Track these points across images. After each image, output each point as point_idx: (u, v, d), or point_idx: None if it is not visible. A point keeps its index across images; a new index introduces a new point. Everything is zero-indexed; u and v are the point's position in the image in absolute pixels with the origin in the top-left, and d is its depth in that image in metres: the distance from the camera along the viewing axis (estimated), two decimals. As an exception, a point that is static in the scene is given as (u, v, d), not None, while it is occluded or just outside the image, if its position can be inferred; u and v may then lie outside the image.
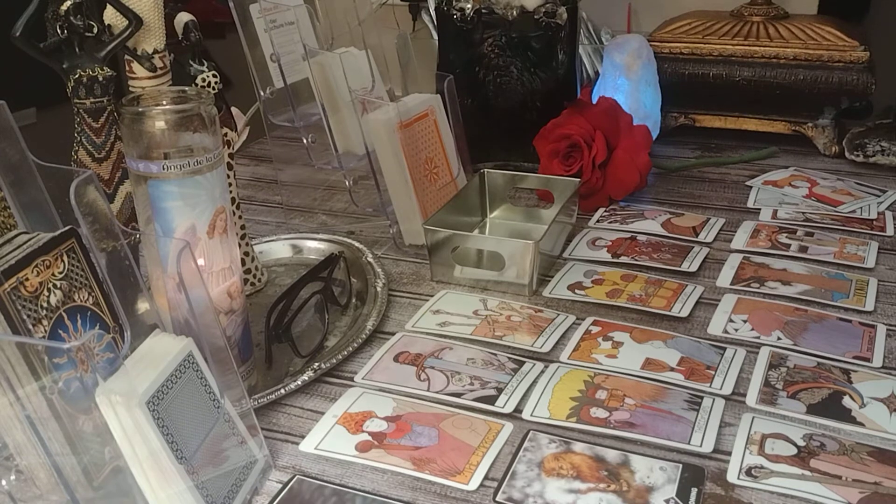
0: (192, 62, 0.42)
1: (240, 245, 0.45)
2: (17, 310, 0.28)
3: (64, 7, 0.36)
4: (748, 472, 0.31)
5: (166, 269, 0.33)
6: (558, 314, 0.44)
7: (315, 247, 0.52)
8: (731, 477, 0.31)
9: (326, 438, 0.34)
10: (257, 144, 0.71)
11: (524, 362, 0.39)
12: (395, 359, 0.40)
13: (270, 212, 0.59)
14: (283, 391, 0.37)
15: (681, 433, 0.34)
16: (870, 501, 0.29)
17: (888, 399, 0.35)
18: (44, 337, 0.28)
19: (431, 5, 0.66)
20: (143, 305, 0.35)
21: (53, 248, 0.30)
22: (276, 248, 0.52)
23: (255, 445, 0.33)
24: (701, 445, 0.33)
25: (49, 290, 0.29)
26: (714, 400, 0.36)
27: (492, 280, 0.47)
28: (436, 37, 0.64)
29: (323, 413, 0.36)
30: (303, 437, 0.35)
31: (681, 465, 0.32)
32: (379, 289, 0.45)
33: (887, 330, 0.41)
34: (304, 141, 0.54)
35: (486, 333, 0.42)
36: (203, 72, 0.42)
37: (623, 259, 0.49)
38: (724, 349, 0.40)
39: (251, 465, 0.32)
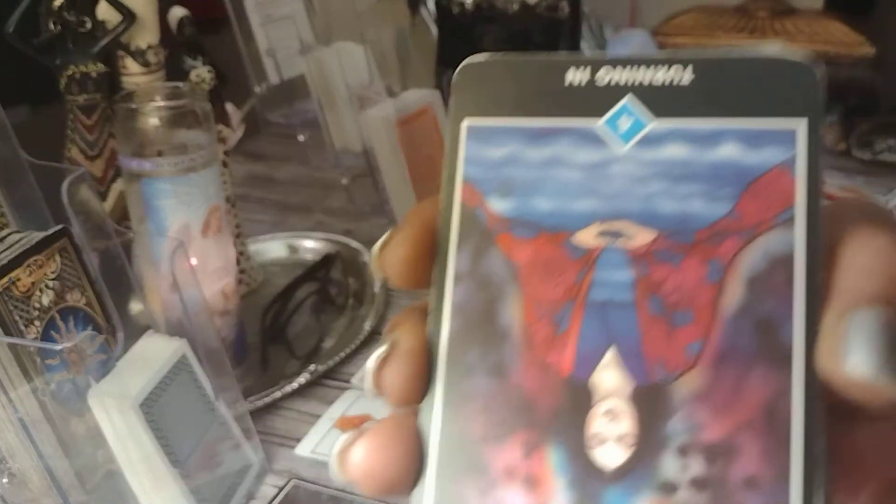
0: (186, 58, 0.41)
1: (234, 244, 0.44)
2: (8, 310, 0.27)
3: (57, 2, 0.35)
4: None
5: (160, 269, 0.33)
6: (559, 314, 0.43)
7: (311, 246, 0.51)
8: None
9: (323, 442, 0.34)
10: (253, 141, 0.70)
11: (524, 364, 0.39)
12: (394, 360, 0.39)
13: (266, 210, 0.59)
14: (278, 394, 0.36)
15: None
16: None
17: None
18: (36, 338, 0.28)
19: (431, -1, 0.66)
20: (136, 306, 0.35)
21: (46, 247, 0.29)
22: (272, 248, 0.51)
23: (251, 449, 0.32)
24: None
25: (41, 290, 0.29)
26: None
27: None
28: (435, 31, 0.63)
29: (320, 416, 0.36)
30: (299, 440, 0.34)
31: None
32: (377, 289, 0.45)
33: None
34: (301, 138, 0.53)
35: (485, 334, 0.41)
36: (197, 67, 0.41)
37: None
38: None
39: (246, 468, 0.32)
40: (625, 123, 0.11)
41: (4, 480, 0.30)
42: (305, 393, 0.38)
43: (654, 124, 0.10)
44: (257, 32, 0.50)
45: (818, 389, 0.10)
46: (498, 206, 0.11)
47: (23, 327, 0.28)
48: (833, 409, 0.10)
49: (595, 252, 0.10)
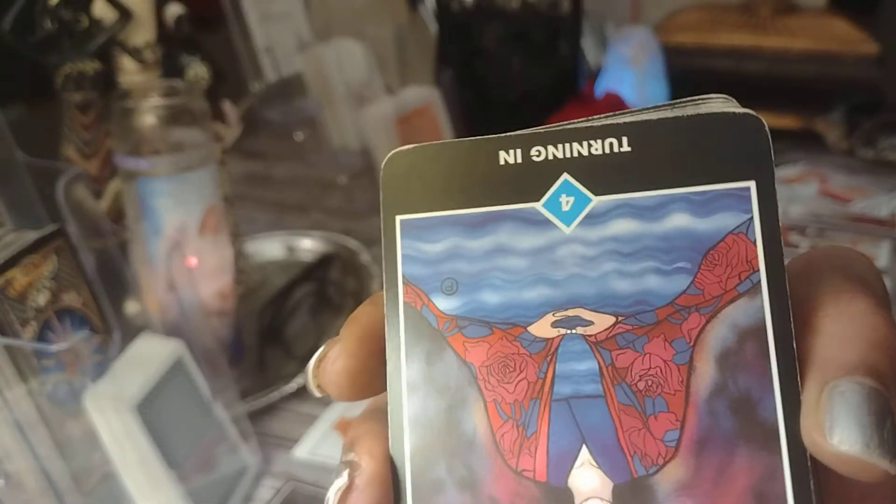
0: (183, 55, 0.41)
1: (232, 244, 0.44)
2: (4, 311, 0.27)
3: (53, 0, 0.35)
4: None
5: (156, 269, 0.32)
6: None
7: (309, 246, 0.51)
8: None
9: (321, 444, 0.34)
10: (250, 140, 0.70)
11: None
12: (393, 361, 0.39)
13: (263, 209, 0.58)
14: (276, 395, 0.36)
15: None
16: None
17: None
18: (32, 339, 0.28)
19: (431, -4, 0.65)
20: (132, 306, 0.35)
21: (41, 247, 0.29)
22: (269, 247, 0.51)
23: (248, 451, 0.32)
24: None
25: (37, 290, 0.28)
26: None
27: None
28: (434, 28, 0.63)
29: (318, 417, 0.35)
30: (297, 441, 0.34)
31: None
32: (375, 289, 0.45)
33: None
34: (299, 136, 0.53)
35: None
36: (194, 65, 0.41)
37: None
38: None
39: (243, 470, 0.31)
40: (566, 203, 0.10)
41: (0, 482, 0.29)
42: (303, 394, 0.37)
43: (596, 200, 0.10)
44: (255, 30, 0.50)
45: (808, 465, 0.09)
46: (444, 304, 0.10)
47: (18, 328, 0.27)
48: (826, 483, 0.09)
49: (554, 343, 0.10)
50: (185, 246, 0.33)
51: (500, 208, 0.10)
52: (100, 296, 0.30)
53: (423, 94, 0.52)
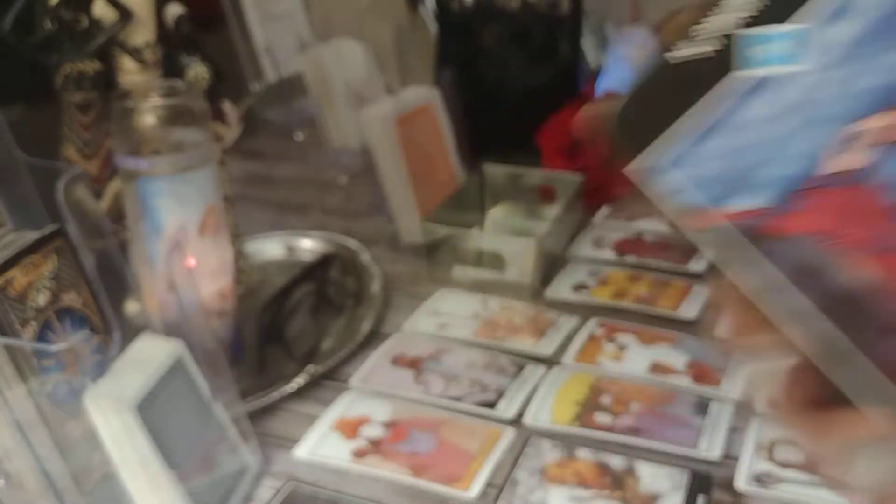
0: (183, 55, 0.41)
1: (232, 244, 0.44)
2: (4, 311, 0.27)
3: (53, 0, 0.35)
4: (757, 479, 0.30)
5: (156, 270, 0.32)
6: (561, 315, 0.43)
7: (309, 246, 0.51)
8: (740, 483, 0.30)
9: (321, 444, 0.34)
10: (250, 140, 0.70)
11: (526, 365, 0.38)
12: (393, 362, 0.39)
13: (263, 210, 0.58)
14: (276, 395, 0.36)
15: (688, 439, 0.33)
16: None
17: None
18: (32, 339, 0.27)
19: (431, -3, 0.65)
20: (132, 306, 0.35)
21: (41, 247, 0.29)
22: (269, 248, 0.51)
23: (248, 451, 0.32)
24: (708, 451, 0.32)
25: (37, 290, 0.28)
26: (722, 404, 0.35)
27: (492, 280, 0.46)
28: (434, 28, 0.63)
29: (318, 417, 0.35)
30: (297, 442, 0.34)
31: (688, 472, 0.31)
32: (375, 289, 0.44)
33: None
34: (299, 136, 0.53)
35: (486, 335, 0.41)
36: (194, 65, 0.41)
37: (629, 258, 0.48)
38: (732, 351, 0.39)
39: (244, 470, 0.31)
40: (773, 47, 0.10)
41: (0, 482, 0.29)
42: (303, 394, 0.37)
43: (797, 25, 0.10)
44: (255, 30, 0.50)
45: None
46: (750, 203, 0.10)
47: (18, 328, 0.27)
48: None
49: (878, 162, 0.09)
50: (185, 246, 0.33)
51: (728, 103, 0.10)
52: (100, 296, 0.30)
53: (423, 94, 0.52)
